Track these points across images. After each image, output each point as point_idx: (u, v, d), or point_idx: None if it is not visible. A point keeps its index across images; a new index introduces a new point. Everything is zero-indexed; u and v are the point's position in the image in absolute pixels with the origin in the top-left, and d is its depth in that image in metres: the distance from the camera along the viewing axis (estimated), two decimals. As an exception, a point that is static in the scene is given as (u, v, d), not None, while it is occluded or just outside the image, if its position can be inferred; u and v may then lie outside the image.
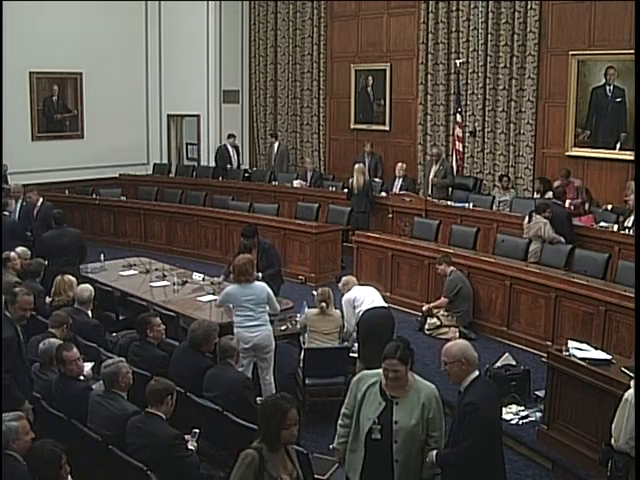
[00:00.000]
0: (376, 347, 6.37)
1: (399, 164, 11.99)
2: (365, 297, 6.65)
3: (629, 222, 8.95)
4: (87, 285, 6.76)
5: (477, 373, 4.05)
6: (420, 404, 4.00)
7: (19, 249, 7.76)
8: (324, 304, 6.56)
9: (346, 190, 11.42)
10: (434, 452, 4.02)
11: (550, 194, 10.11)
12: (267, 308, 6.34)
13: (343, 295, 6.85)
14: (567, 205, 9.38)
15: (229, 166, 13.79)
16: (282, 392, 3.62)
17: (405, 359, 3.99)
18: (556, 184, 9.80)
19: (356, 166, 11.43)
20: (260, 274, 7.22)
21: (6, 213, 9.43)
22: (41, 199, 10.00)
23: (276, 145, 13.93)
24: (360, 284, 7.04)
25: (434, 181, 11.32)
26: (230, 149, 13.97)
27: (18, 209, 9.99)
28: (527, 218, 8.94)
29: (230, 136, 14.11)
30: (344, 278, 7.04)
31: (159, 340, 5.86)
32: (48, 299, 7.07)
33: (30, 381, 5.08)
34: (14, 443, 3.90)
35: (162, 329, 5.86)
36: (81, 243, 8.70)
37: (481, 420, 3.90)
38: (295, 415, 3.49)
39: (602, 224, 9.14)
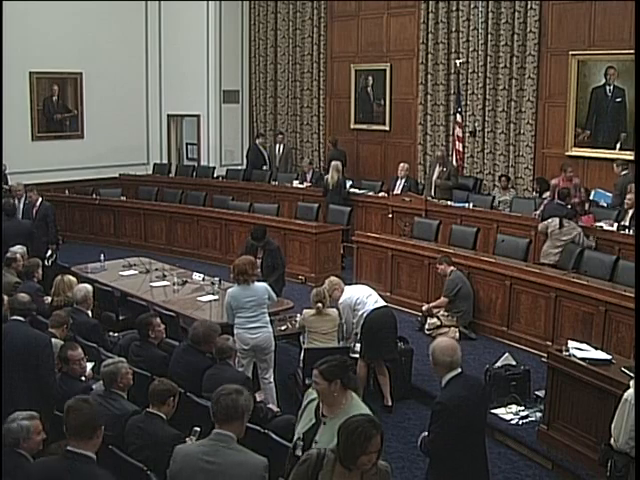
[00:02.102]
0: (380, 347, 6.44)
1: (401, 164, 11.91)
2: (367, 298, 6.63)
3: (626, 221, 8.94)
4: (82, 285, 6.69)
5: (455, 373, 4.06)
6: None
7: (18, 249, 7.75)
8: (320, 305, 6.56)
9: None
10: (423, 434, 4.14)
11: (547, 194, 10.11)
12: (267, 309, 6.33)
13: (337, 299, 6.74)
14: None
15: (265, 167, 13.84)
16: (370, 415, 3.38)
17: (328, 375, 3.83)
18: (554, 182, 9.78)
19: (332, 163, 11.72)
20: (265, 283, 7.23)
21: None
22: (40, 198, 10.01)
23: (282, 145, 13.87)
24: (347, 284, 7.01)
25: (437, 182, 11.31)
26: (262, 149, 14.03)
27: (22, 208, 9.98)
28: (557, 224, 8.73)
29: (260, 135, 14.24)
30: (327, 282, 6.84)
31: (160, 340, 5.87)
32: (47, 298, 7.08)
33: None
34: (24, 442, 3.89)
35: (162, 329, 5.87)
36: (31, 232, 8.97)
37: (445, 420, 3.96)
38: (379, 442, 3.27)
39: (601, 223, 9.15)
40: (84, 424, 3.33)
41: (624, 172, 9.70)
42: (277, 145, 13.98)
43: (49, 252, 9.59)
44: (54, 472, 3.34)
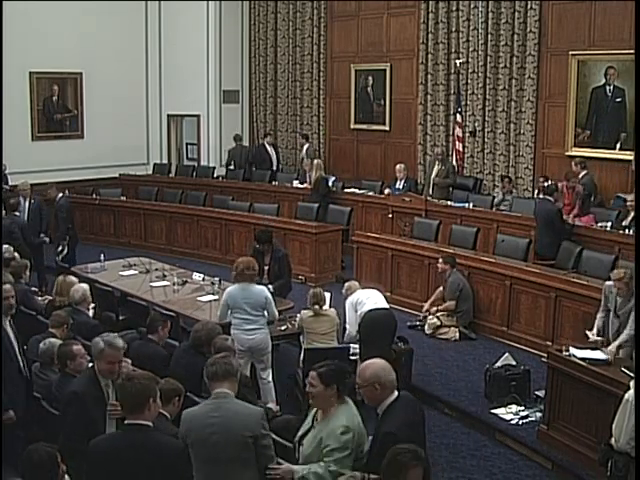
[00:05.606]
0: (378, 348, 6.43)
1: (397, 166, 11.87)
2: (368, 299, 6.69)
3: (627, 221, 8.94)
4: (78, 285, 6.65)
5: (395, 395, 3.78)
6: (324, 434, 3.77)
7: (5, 248, 7.70)
8: (317, 307, 6.59)
9: (306, 184, 12.03)
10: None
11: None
12: (265, 312, 6.32)
13: (346, 298, 6.88)
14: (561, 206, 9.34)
15: (274, 169, 13.67)
16: (412, 445, 3.20)
17: (326, 379, 3.75)
18: (559, 184, 9.81)
19: (314, 161, 11.83)
20: (271, 286, 7.20)
21: (17, 213, 9.38)
22: (60, 194, 9.92)
23: (305, 147, 13.66)
24: (363, 287, 7.07)
25: (436, 180, 11.30)
26: (269, 148, 13.92)
27: (27, 208, 9.93)
28: None
29: (267, 135, 14.17)
30: (347, 283, 7.07)
31: (163, 340, 5.87)
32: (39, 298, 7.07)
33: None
34: (97, 360, 4.36)
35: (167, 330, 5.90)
36: (11, 231, 8.77)
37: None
38: (419, 475, 3.14)
39: (601, 224, 9.15)
40: (132, 399, 3.50)
41: (584, 171, 9.89)
42: (302, 147, 13.75)
43: (60, 248, 9.63)
44: (118, 443, 3.52)
